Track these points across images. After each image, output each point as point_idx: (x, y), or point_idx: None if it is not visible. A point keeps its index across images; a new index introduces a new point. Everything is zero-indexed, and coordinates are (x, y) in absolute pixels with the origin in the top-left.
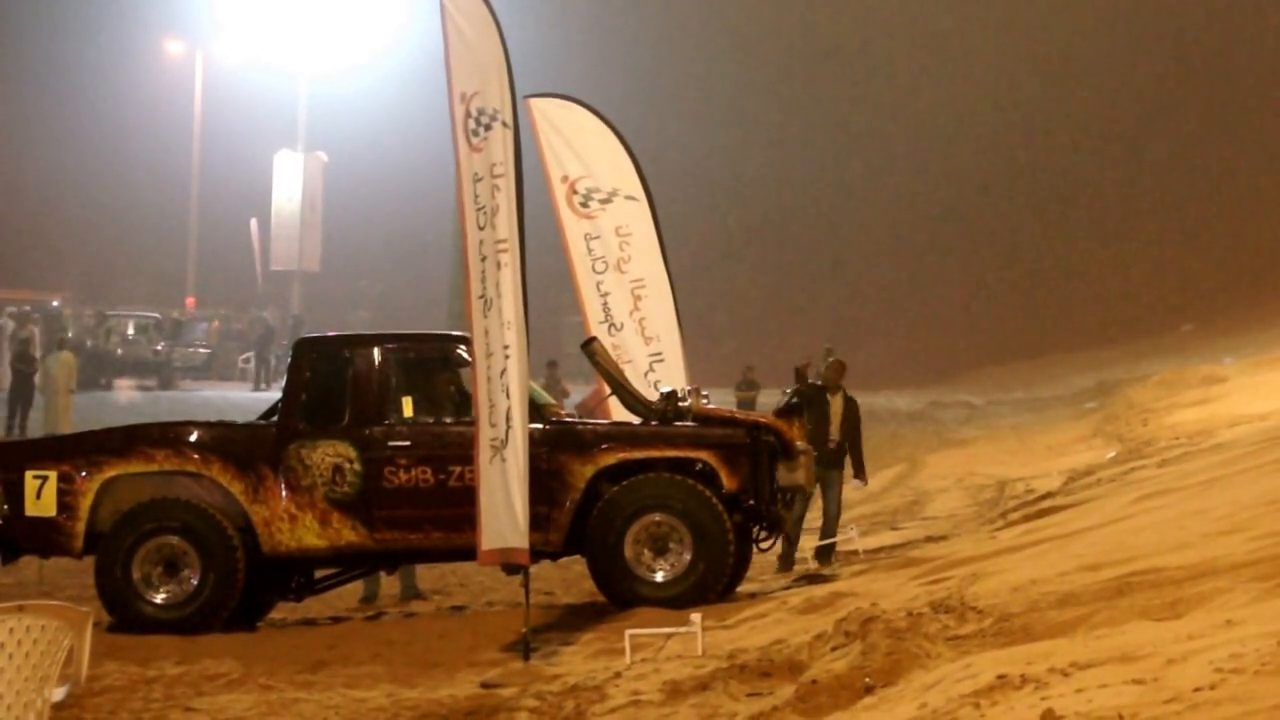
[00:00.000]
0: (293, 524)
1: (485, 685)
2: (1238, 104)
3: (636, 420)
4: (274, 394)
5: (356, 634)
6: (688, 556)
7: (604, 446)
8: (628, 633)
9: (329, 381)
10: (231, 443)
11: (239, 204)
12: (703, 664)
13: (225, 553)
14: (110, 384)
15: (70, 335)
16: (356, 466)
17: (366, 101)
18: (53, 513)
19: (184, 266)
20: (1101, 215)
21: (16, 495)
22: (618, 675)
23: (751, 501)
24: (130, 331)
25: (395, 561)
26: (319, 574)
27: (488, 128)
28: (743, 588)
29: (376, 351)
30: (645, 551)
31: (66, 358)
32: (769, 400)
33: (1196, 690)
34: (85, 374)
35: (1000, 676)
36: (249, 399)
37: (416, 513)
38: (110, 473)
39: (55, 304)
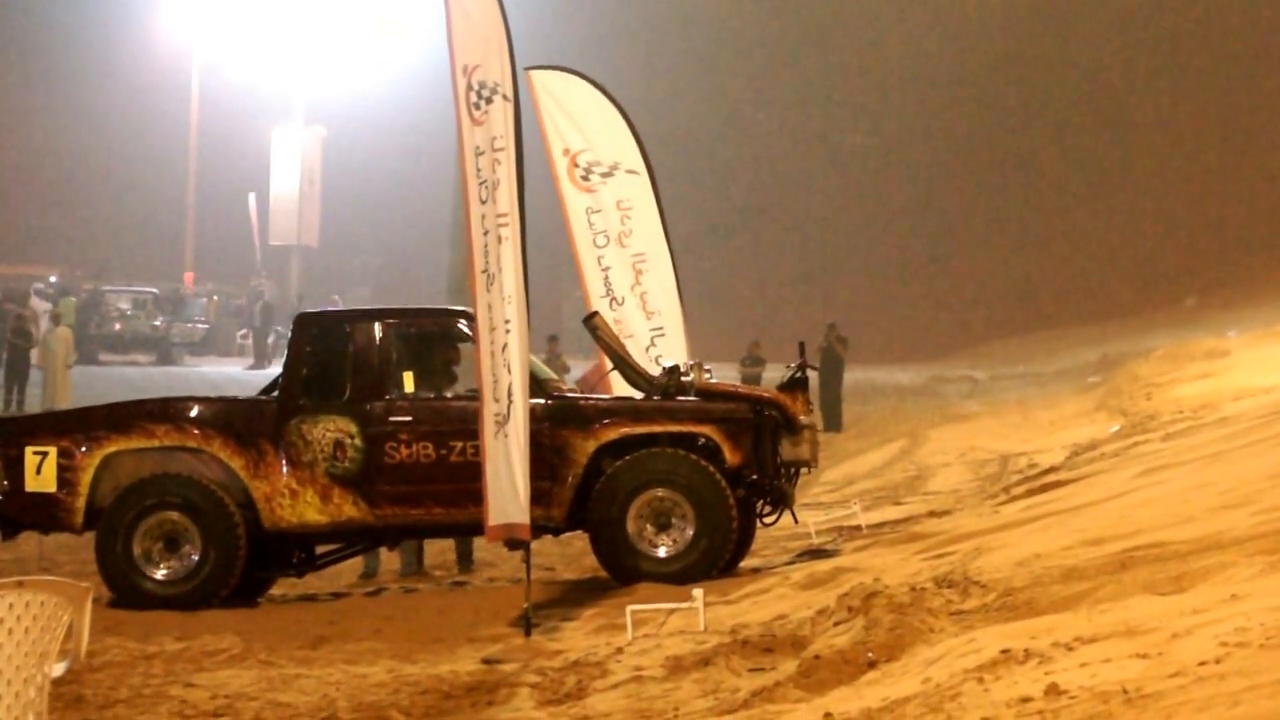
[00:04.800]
0: (294, 499)
1: (486, 661)
2: (1240, 75)
3: (638, 395)
4: (271, 371)
5: (357, 610)
6: (690, 532)
7: (606, 421)
8: (629, 608)
9: (330, 357)
10: (232, 418)
11: (237, 179)
12: (705, 639)
13: (226, 529)
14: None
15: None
16: (358, 442)
17: (366, 75)
18: (53, 488)
19: (182, 242)
20: (1103, 188)
21: (17, 471)
22: (619, 651)
23: (755, 476)
24: (128, 307)
25: (397, 537)
26: (320, 550)
27: (488, 101)
28: (745, 563)
29: (377, 326)
30: (647, 527)
31: (64, 333)
32: (775, 377)
33: (1201, 664)
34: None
35: (1004, 651)
36: (247, 375)
37: (418, 488)
38: (110, 448)
39: (53, 279)
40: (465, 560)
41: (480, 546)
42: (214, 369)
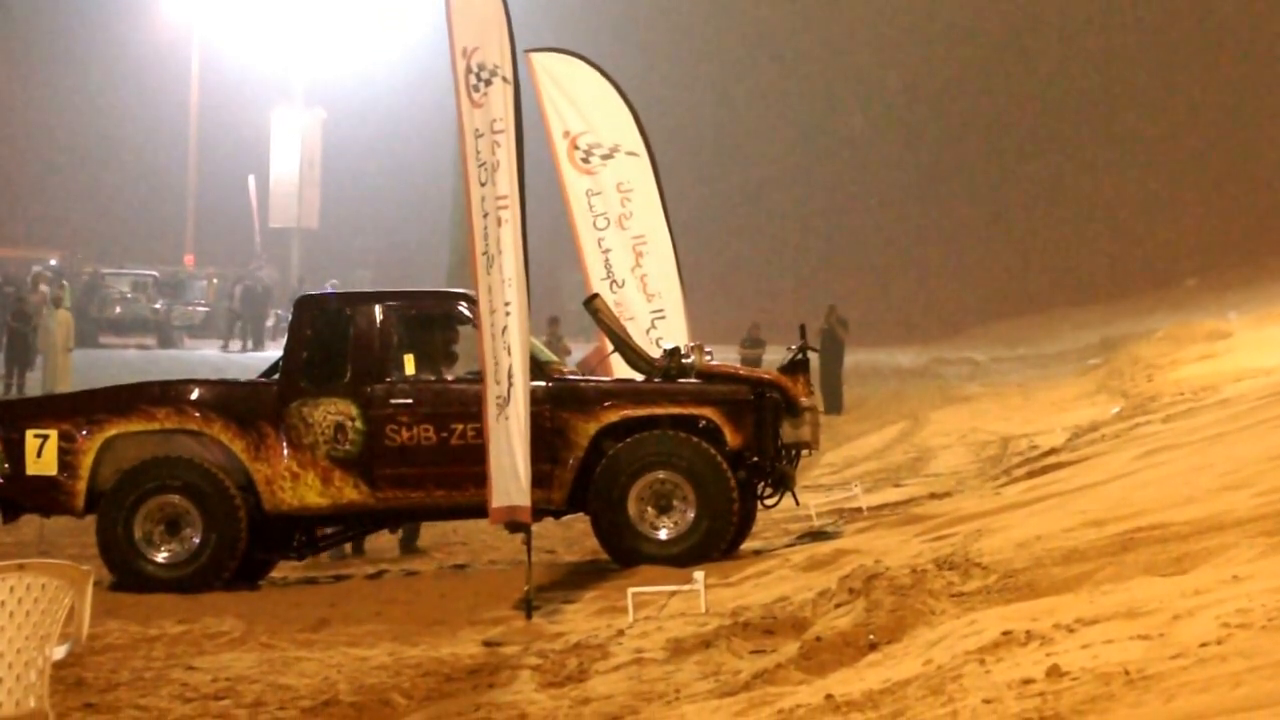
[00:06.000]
0: (295, 482)
1: (488, 643)
2: (1242, 55)
3: (639, 377)
4: (255, 355)
5: (358, 593)
6: (691, 514)
7: (607, 404)
8: (630, 591)
9: (330, 339)
10: (233, 401)
11: (237, 162)
12: (706, 622)
13: (227, 511)
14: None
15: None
16: (358, 424)
17: (366, 57)
18: (54, 471)
19: (182, 224)
20: (1103, 171)
21: (18, 454)
22: (620, 633)
23: (756, 458)
24: (128, 289)
25: (398, 520)
26: (321, 532)
27: (488, 83)
28: (746, 545)
29: (378, 309)
30: (649, 509)
31: (64, 316)
32: (775, 359)
33: (1203, 645)
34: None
35: (1005, 633)
36: (241, 360)
37: (419, 471)
38: (111, 431)
39: (53, 262)
40: (408, 544)
41: (481, 529)
42: (214, 351)
